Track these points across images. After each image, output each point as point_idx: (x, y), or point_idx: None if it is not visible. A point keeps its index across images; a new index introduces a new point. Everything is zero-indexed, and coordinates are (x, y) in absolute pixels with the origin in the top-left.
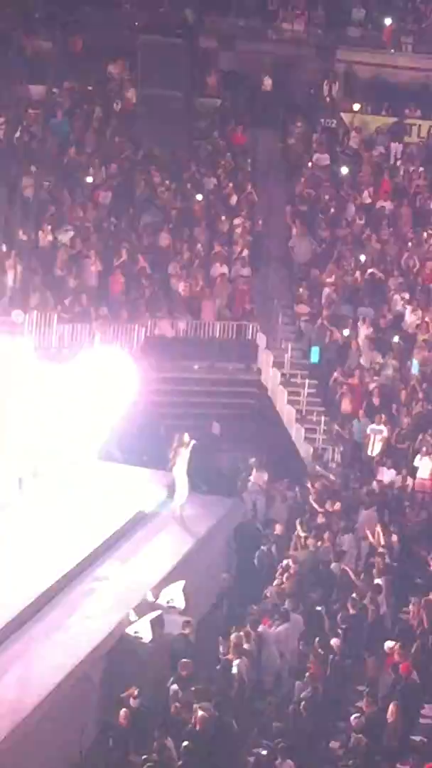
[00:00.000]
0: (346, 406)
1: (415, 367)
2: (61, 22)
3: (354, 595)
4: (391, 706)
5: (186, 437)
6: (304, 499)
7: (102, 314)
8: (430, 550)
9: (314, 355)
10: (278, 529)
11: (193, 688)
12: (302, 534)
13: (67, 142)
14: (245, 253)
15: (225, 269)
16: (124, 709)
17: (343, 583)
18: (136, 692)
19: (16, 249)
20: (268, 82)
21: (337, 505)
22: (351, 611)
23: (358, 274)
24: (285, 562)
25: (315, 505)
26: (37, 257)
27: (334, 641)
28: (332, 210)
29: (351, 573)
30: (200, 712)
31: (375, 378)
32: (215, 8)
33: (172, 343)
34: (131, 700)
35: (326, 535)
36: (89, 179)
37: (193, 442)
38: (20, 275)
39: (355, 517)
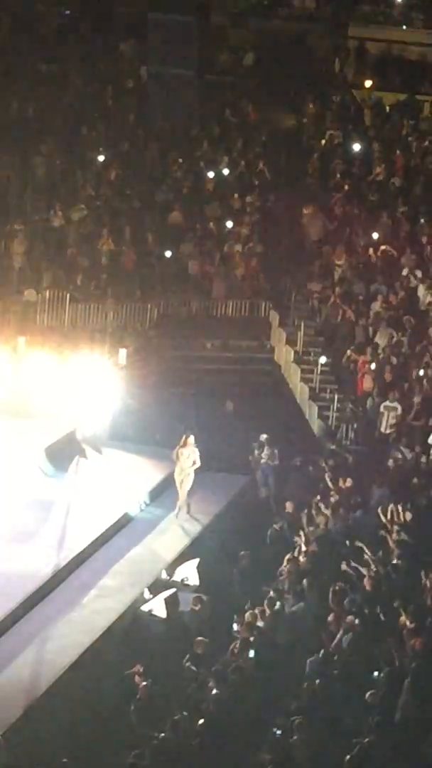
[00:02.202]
0: (367, 384)
1: None
2: (72, 0)
3: (369, 572)
4: (406, 682)
5: (191, 438)
6: (318, 476)
7: (114, 293)
8: None
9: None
10: (290, 506)
11: (213, 668)
12: (316, 512)
13: (79, 121)
14: (257, 230)
15: (237, 247)
16: (144, 683)
17: (358, 561)
18: (141, 669)
19: (29, 228)
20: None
21: (350, 482)
22: (366, 589)
23: (370, 251)
24: (299, 540)
25: (329, 483)
26: (50, 236)
27: (348, 618)
28: (345, 187)
29: (366, 550)
30: (214, 691)
31: (389, 355)
32: None
33: (185, 321)
34: (136, 677)
35: (340, 513)
36: (101, 158)
37: (197, 447)
38: (33, 254)
39: (369, 495)
